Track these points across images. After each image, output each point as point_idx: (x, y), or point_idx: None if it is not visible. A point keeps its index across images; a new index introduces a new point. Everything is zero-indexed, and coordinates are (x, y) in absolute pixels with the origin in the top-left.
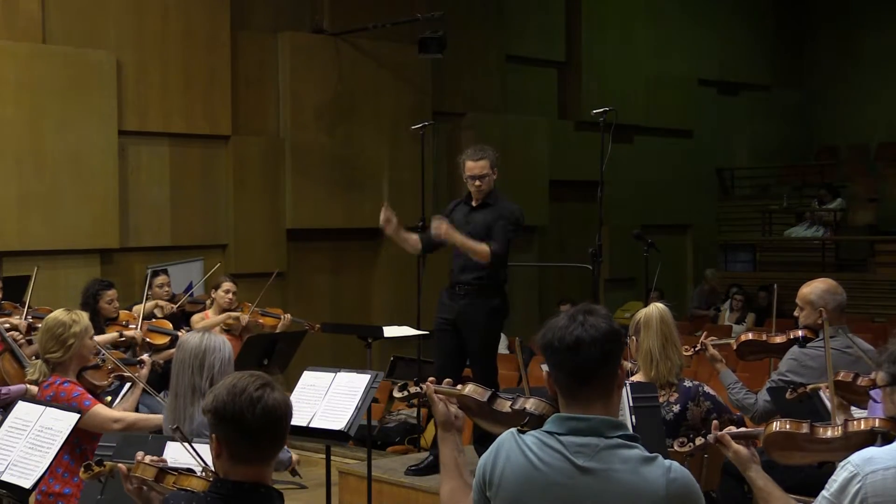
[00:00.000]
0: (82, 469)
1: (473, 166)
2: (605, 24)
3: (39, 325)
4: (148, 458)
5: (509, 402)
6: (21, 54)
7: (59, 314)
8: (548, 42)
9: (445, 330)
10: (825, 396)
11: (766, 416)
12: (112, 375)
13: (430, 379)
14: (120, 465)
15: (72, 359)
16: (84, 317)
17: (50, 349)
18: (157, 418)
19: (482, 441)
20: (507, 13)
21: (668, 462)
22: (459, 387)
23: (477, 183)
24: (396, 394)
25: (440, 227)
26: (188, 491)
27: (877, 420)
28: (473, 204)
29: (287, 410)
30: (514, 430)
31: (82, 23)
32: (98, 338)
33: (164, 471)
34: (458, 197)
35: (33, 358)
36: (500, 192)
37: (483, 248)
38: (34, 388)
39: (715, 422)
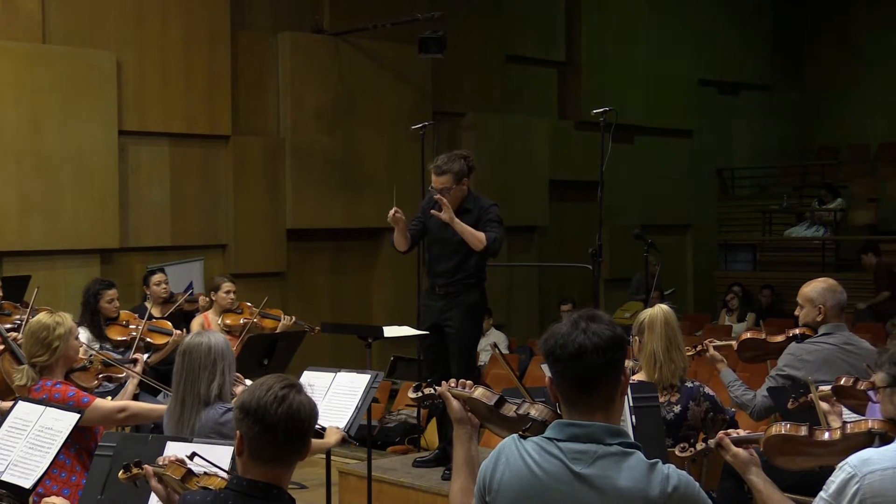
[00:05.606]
0: (122, 469)
1: (436, 181)
2: (605, 24)
3: None
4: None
5: (515, 407)
6: (21, 54)
7: (42, 317)
8: (548, 42)
9: (430, 330)
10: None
11: (763, 412)
12: (100, 377)
13: (451, 382)
14: (150, 467)
15: (58, 361)
16: (68, 318)
17: (35, 353)
18: (160, 409)
19: None
20: (508, 13)
21: (667, 469)
22: (471, 389)
23: (437, 196)
24: (411, 394)
25: (444, 209)
26: (206, 489)
27: (873, 421)
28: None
29: (311, 413)
30: (515, 435)
31: (82, 23)
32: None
33: (191, 472)
34: None
35: None
36: (475, 193)
37: (481, 235)
38: (6, 405)
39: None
